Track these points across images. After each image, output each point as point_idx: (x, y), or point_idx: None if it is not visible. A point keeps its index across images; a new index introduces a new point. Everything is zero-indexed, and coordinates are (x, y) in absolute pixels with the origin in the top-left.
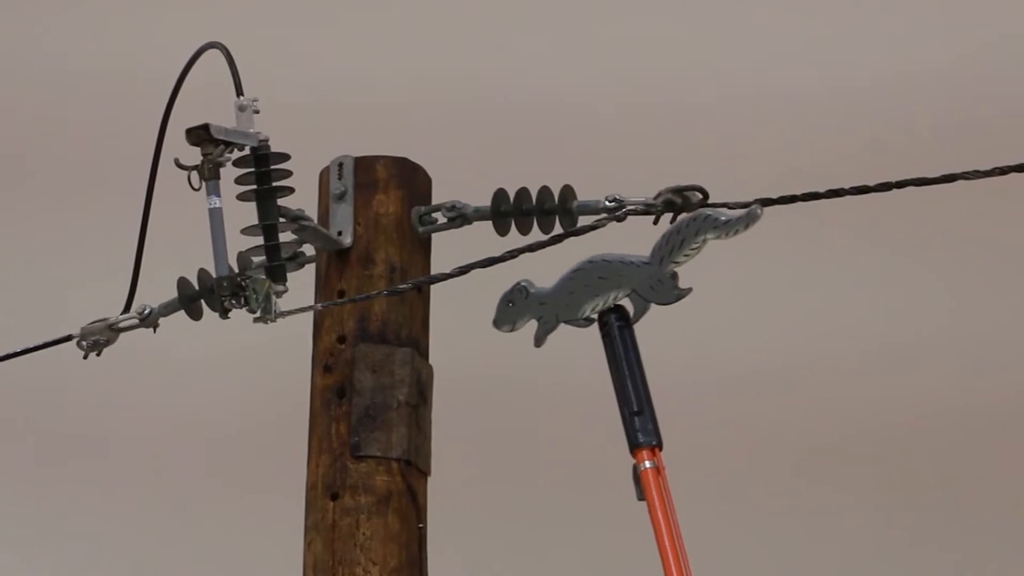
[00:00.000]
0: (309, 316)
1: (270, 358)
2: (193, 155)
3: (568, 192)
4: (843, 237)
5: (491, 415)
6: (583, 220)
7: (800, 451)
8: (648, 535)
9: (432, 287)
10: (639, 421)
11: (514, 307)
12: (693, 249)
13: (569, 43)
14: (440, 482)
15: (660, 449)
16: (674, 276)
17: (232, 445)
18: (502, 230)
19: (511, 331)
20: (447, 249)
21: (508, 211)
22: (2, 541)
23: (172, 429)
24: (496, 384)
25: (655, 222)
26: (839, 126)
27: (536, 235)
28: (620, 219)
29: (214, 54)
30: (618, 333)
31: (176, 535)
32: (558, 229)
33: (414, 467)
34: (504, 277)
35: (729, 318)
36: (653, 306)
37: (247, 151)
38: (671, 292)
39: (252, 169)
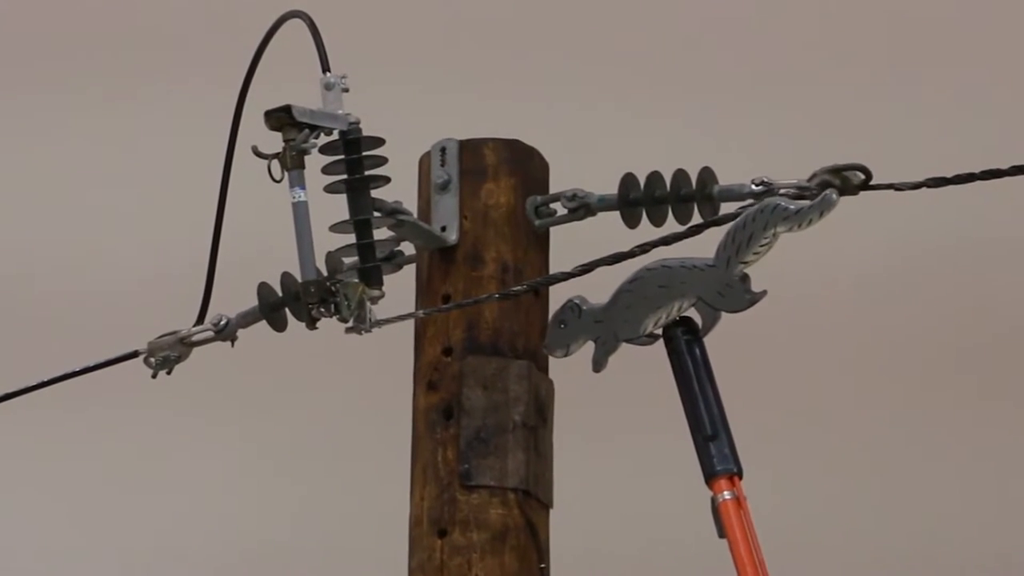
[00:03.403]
0: (409, 325)
1: (364, 374)
2: (274, 141)
3: (708, 175)
4: None
5: (622, 436)
6: (726, 208)
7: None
8: None
9: (551, 289)
10: (714, 447)
11: (567, 328)
12: (763, 246)
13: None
14: (563, 515)
15: (740, 477)
16: (744, 278)
17: (323, 474)
18: (632, 221)
19: (565, 356)
20: (568, 245)
21: (638, 199)
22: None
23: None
24: (627, 400)
25: None
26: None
27: (671, 226)
28: None
29: (296, 24)
30: (686, 348)
31: None
32: (697, 218)
33: (534, 498)
34: None
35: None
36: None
37: (335, 136)
38: (742, 297)
39: (342, 156)
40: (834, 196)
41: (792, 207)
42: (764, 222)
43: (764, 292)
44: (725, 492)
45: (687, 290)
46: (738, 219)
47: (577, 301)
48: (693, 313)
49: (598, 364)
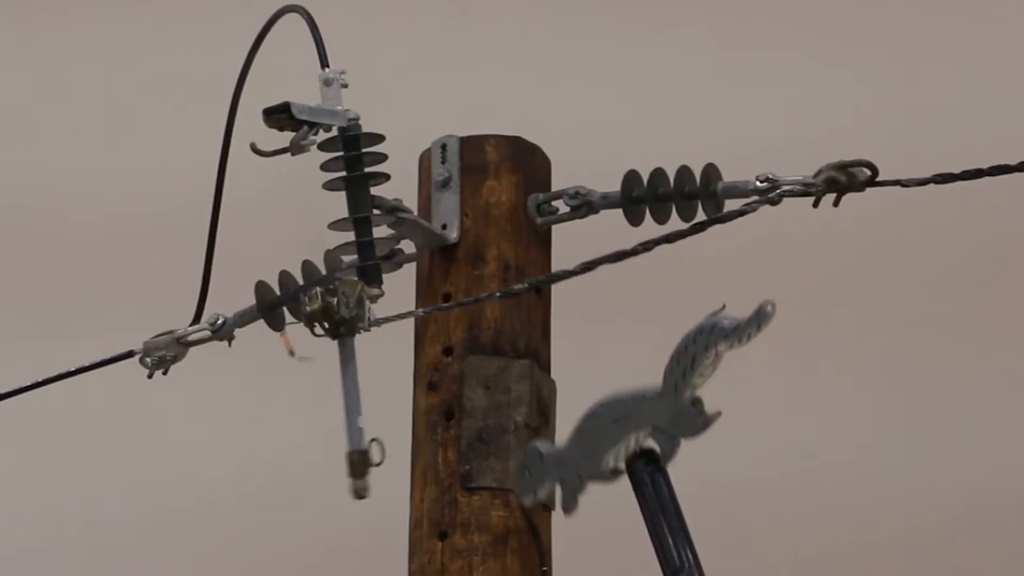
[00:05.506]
0: (409, 324)
1: (363, 374)
2: (272, 137)
3: (712, 172)
4: None
5: None
6: (730, 204)
7: None
8: None
9: (553, 287)
10: None
11: (532, 475)
12: (707, 367)
13: None
14: (565, 517)
15: None
16: (696, 402)
17: (322, 475)
18: (635, 219)
19: (534, 502)
20: (570, 243)
21: (641, 196)
22: None
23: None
24: None
25: (815, 205)
26: None
27: (675, 223)
28: (774, 202)
29: (293, 18)
30: (650, 480)
31: None
32: (701, 216)
33: None
34: (637, 274)
35: None
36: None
37: (334, 132)
38: (696, 421)
39: (340, 153)
40: (769, 308)
41: (729, 324)
42: (704, 343)
43: (718, 413)
44: None
45: (641, 421)
46: (679, 344)
47: (538, 446)
48: (653, 444)
49: (567, 507)
